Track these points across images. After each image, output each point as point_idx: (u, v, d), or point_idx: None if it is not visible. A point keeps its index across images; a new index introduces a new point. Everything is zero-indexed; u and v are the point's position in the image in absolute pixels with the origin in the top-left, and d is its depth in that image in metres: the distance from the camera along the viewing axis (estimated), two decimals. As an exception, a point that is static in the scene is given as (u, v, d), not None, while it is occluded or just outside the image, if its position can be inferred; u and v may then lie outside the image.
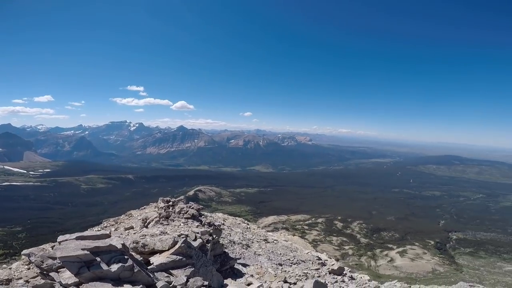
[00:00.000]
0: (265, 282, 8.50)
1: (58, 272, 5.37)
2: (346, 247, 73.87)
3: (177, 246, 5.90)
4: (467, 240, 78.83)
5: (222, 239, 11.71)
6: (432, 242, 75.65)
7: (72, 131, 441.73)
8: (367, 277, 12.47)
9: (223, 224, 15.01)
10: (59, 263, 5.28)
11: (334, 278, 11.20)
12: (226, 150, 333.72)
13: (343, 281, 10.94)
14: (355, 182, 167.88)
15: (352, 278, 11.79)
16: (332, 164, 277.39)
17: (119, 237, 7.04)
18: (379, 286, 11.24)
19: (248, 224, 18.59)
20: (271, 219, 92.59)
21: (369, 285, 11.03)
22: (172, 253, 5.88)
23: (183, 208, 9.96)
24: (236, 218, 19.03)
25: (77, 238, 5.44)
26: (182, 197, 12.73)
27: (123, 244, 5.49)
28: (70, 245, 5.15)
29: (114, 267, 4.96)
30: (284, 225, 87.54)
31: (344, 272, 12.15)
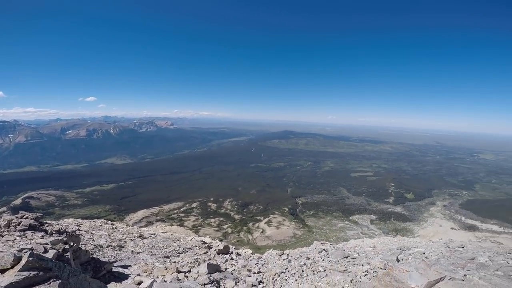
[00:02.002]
0: (157, 277, 8.23)
1: None
2: (225, 226, 77.74)
3: (23, 262, 4.80)
4: (308, 204, 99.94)
5: (84, 245, 10.79)
6: (287, 209, 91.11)
7: None
8: (250, 251, 14.30)
9: (79, 229, 13.83)
10: None
11: (223, 257, 12.23)
12: (61, 144, 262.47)
13: (232, 259, 12.09)
14: (219, 162, 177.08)
15: (238, 254, 13.15)
16: (196, 146, 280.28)
17: None
18: (261, 257, 12.91)
19: (113, 224, 17.40)
20: (140, 213, 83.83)
21: (253, 257, 12.59)
22: (20, 270, 4.74)
23: (12, 220, 8.42)
24: (95, 220, 17.34)
25: None
26: (4, 208, 8.62)
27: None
28: None
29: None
30: (158, 217, 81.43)
31: (231, 251, 13.50)
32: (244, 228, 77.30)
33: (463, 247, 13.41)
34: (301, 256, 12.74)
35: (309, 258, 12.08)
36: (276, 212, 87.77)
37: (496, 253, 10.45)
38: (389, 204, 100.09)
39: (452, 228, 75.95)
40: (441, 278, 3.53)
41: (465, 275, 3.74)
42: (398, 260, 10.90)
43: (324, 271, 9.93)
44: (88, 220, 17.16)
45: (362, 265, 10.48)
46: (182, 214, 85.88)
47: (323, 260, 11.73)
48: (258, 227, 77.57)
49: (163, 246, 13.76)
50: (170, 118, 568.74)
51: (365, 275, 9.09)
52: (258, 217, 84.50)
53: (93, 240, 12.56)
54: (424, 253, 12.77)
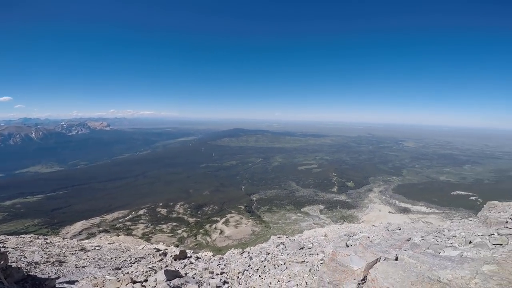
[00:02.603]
0: (112, 290, 7.87)
1: None
2: (180, 231, 73.50)
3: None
4: (262, 199, 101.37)
5: (14, 263, 9.88)
6: (243, 207, 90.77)
7: None
8: (210, 253, 14.21)
9: (4, 247, 12.40)
10: None
11: (181, 262, 11.84)
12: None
13: (191, 263, 11.79)
14: (166, 164, 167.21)
15: (198, 257, 12.89)
16: (138, 149, 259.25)
17: None
18: (222, 257, 12.89)
19: (46, 239, 15.85)
20: (79, 225, 73.87)
21: (214, 259, 12.56)
22: None
23: None
24: (23, 236, 15.76)
25: None
26: None
27: None
28: None
29: None
30: (100, 228, 72.77)
31: (189, 255, 13.10)
32: (201, 230, 74.38)
33: (400, 229, 14.86)
34: (261, 252, 13.02)
35: (269, 253, 12.41)
36: (233, 211, 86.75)
37: (427, 233, 11.70)
38: (334, 194, 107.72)
39: (389, 212, 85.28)
40: (377, 259, 3.73)
41: (397, 255, 3.95)
42: (347, 246, 11.21)
43: (284, 264, 10.26)
44: (13, 236, 15.25)
45: (317, 254, 10.94)
46: (128, 223, 78.36)
47: (281, 253, 12.11)
48: (215, 228, 75.49)
49: (111, 258, 12.95)
50: (106, 119, 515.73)
51: (321, 263, 9.32)
52: (215, 218, 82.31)
53: (25, 257, 11.28)
54: (368, 237, 13.73)
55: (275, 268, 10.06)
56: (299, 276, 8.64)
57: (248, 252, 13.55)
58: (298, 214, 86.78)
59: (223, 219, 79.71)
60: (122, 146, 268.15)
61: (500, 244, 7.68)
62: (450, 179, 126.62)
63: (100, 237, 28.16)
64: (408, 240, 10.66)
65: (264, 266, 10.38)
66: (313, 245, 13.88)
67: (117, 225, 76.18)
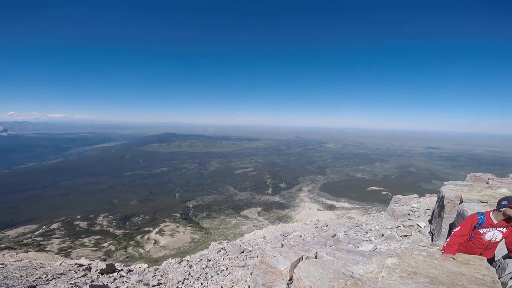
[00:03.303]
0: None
1: None
2: (106, 244, 65.50)
3: None
4: (200, 206, 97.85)
5: None
6: (178, 215, 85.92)
7: None
8: (145, 265, 13.54)
9: None
10: None
11: (110, 276, 11.03)
12: None
13: (122, 276, 11.07)
14: (83, 174, 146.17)
15: (130, 270, 12.29)
16: (46, 157, 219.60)
17: None
18: (158, 268, 12.44)
19: None
20: (-32, 245, 58.63)
21: (149, 270, 12.16)
22: None
23: None
24: None
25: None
26: None
27: None
28: None
29: None
30: (2, 245, 59.36)
31: (119, 268, 12.44)
32: (132, 242, 67.91)
33: (326, 226, 16.06)
34: (201, 259, 12.92)
35: (210, 260, 12.39)
36: (167, 220, 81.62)
37: (349, 228, 12.73)
38: (269, 195, 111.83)
39: (318, 210, 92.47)
40: (300, 259, 3.82)
41: (316, 253, 4.12)
42: (282, 246, 11.74)
43: (226, 269, 10.39)
44: None
45: (257, 257, 11.11)
46: (39, 238, 66.61)
47: (223, 259, 12.23)
48: (149, 238, 69.95)
49: (21, 276, 11.49)
50: (2, 123, 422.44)
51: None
52: (147, 228, 76.17)
53: None
54: (301, 235, 14.77)
55: (217, 274, 10.06)
56: (241, 280, 8.73)
57: (188, 260, 13.31)
58: (238, 218, 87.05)
59: (157, 229, 74.49)
60: (25, 154, 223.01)
61: (406, 235, 8.77)
62: (365, 176, 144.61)
63: (4, 254, 23.20)
64: (333, 236, 11.40)
65: (206, 273, 10.34)
66: (253, 248, 13.97)
67: (25, 241, 63.97)
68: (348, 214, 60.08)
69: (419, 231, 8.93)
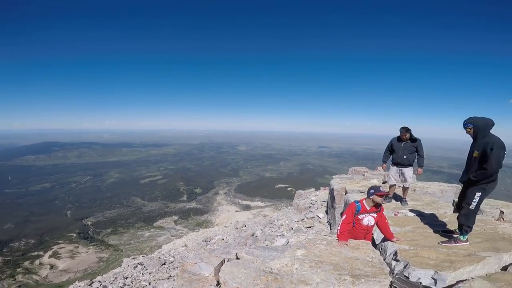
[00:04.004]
0: None
1: None
2: None
3: None
4: (101, 222, 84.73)
5: None
6: (75, 235, 72.92)
7: None
8: None
9: None
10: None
11: None
12: None
13: None
14: None
15: None
16: None
17: None
18: None
19: None
20: None
21: None
22: None
23: None
24: None
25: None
26: None
27: None
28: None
29: None
30: None
31: None
32: (19, 269, 55.24)
33: (245, 226, 16.91)
34: (116, 277, 12.28)
35: (127, 277, 11.79)
36: (61, 241, 68.48)
37: (264, 225, 13.62)
38: (184, 202, 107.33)
39: (236, 211, 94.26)
40: (222, 262, 3.89)
41: (237, 254, 4.24)
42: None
43: (149, 284, 9.96)
44: None
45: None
46: None
47: (142, 274, 11.77)
48: (41, 263, 58.12)
49: None
50: None
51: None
52: (35, 253, 62.66)
53: None
54: (223, 238, 15.03)
55: (140, 290, 9.19)
56: (169, 293, 8.17)
57: (99, 281, 12.37)
58: (152, 230, 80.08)
59: (49, 252, 62.24)
60: None
61: (310, 227, 10.23)
62: (273, 175, 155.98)
63: None
64: (252, 235, 12.09)
65: (126, 292, 9.36)
66: (175, 258, 13.61)
67: None
68: (263, 212, 63.78)
69: (319, 222, 10.57)
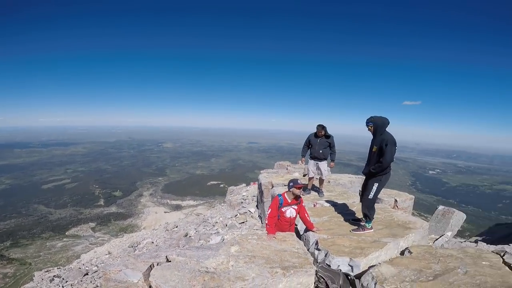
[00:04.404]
0: None
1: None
2: None
3: None
4: None
5: None
6: None
7: None
8: None
9: None
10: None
11: None
12: None
13: None
14: None
15: None
16: None
17: None
18: None
19: None
20: None
21: None
22: None
23: None
24: None
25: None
26: None
27: None
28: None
29: None
30: None
31: None
32: None
33: (177, 227, 16.63)
34: None
35: None
36: None
37: (198, 224, 13.72)
38: (102, 207, 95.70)
39: (166, 212, 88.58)
40: (150, 266, 3.78)
41: (167, 257, 4.18)
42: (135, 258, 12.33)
43: None
44: None
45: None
46: None
47: (62, 286, 11.17)
48: None
49: None
50: None
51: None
52: None
53: None
54: (153, 242, 14.57)
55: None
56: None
57: None
58: (64, 239, 69.03)
59: None
60: None
61: (243, 222, 10.65)
62: (204, 172, 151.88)
63: None
64: (186, 236, 11.83)
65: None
66: (98, 267, 12.78)
67: None
68: (196, 211, 62.34)
69: (252, 216, 11.10)
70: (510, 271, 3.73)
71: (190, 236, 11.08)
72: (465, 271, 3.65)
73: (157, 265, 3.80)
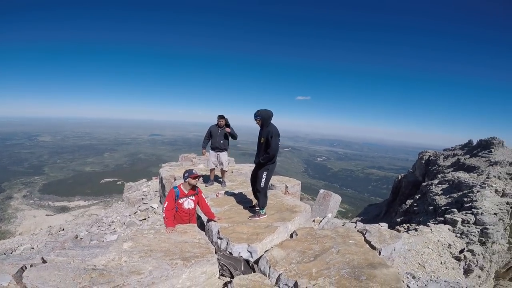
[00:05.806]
0: None
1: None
2: None
3: None
4: None
5: None
6: None
7: None
8: None
9: None
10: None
11: None
12: None
13: None
14: None
15: None
16: None
17: None
18: None
19: None
20: None
21: None
22: None
23: None
24: None
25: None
26: None
27: None
28: None
29: None
30: None
31: None
32: None
33: (63, 230, 15.15)
34: None
35: None
36: None
37: (90, 225, 12.97)
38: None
39: (48, 215, 72.43)
40: (22, 268, 3.64)
41: (43, 258, 3.94)
42: (11, 264, 10.77)
43: None
44: None
45: None
46: None
47: None
48: None
49: None
50: None
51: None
52: None
53: None
54: (33, 247, 13.36)
55: None
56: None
57: None
58: None
59: None
60: None
61: (145, 219, 10.06)
62: (95, 169, 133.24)
63: None
64: (75, 238, 10.32)
65: None
66: None
67: None
68: (88, 211, 53.80)
69: (155, 212, 10.58)
70: (370, 248, 4.31)
71: (80, 238, 9.71)
72: (337, 250, 4.13)
73: (31, 266, 3.47)
